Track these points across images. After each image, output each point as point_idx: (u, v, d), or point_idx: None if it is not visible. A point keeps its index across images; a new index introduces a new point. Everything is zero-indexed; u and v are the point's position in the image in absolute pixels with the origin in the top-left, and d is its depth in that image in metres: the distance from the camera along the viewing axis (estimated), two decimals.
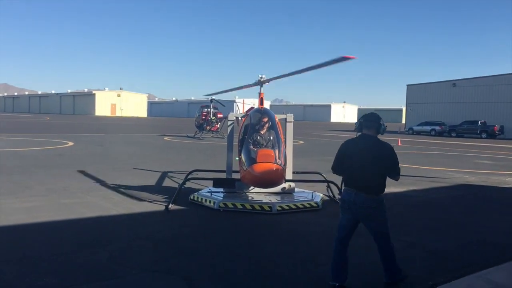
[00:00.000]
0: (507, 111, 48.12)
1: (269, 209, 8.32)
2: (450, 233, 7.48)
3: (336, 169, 5.12)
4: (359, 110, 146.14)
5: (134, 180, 11.62)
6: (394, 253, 4.99)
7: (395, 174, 4.92)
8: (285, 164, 8.52)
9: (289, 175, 9.46)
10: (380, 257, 5.01)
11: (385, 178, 4.89)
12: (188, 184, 10.09)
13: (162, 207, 8.50)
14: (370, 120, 4.92)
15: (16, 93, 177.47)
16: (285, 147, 9.13)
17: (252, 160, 8.11)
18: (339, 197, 9.10)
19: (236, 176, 9.27)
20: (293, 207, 8.61)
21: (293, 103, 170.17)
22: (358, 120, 5.08)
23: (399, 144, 30.04)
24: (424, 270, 5.56)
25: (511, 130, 45.98)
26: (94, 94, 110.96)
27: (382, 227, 4.92)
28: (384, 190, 4.92)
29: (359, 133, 5.04)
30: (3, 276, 4.96)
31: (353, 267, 5.60)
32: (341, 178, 5.14)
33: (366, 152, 4.81)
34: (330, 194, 9.93)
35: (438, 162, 19.10)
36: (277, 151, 8.40)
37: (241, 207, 8.42)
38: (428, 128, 49.54)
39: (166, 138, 30.44)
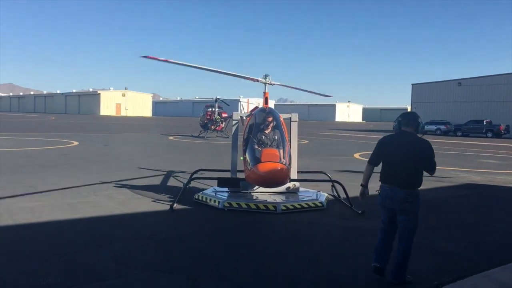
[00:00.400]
0: None
1: (273, 209, 8.30)
2: (455, 233, 7.44)
3: (372, 162, 5.31)
4: (364, 110, 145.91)
5: (139, 180, 11.64)
6: (410, 254, 5.04)
7: (431, 168, 5.06)
8: (289, 164, 8.50)
9: (293, 174, 9.44)
10: (396, 254, 5.05)
11: (421, 173, 5.02)
12: (193, 184, 10.09)
13: (167, 207, 8.50)
14: (409, 119, 5.15)
15: (21, 93, 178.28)
16: (290, 146, 9.11)
17: (256, 160, 8.10)
18: (344, 196, 9.15)
19: (240, 175, 9.26)
20: (298, 206, 8.59)
21: (297, 103, 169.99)
22: (397, 119, 5.29)
23: None
24: (428, 270, 5.53)
25: None
26: (99, 93, 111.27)
27: (412, 222, 5.02)
28: (420, 185, 5.05)
29: (397, 131, 5.26)
30: (7, 276, 4.96)
31: (357, 267, 5.59)
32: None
33: (405, 147, 4.99)
34: (335, 193, 9.90)
35: (443, 161, 19.00)
36: (281, 151, 8.38)
37: (246, 207, 8.41)
38: (433, 127, 49.34)
39: (171, 137, 30.47)
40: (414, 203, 4.98)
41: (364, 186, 5.42)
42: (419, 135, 5.19)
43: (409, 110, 70.92)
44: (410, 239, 5.03)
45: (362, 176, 5.45)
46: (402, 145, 5.02)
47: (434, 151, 5.05)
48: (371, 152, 5.41)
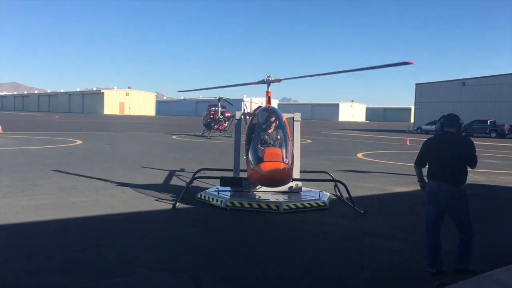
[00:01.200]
0: None
1: (276, 208, 8.31)
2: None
3: (419, 163, 5.68)
4: (368, 109, 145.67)
5: (142, 179, 11.67)
6: (470, 246, 5.38)
7: (473, 162, 5.42)
8: (292, 163, 8.51)
9: (296, 174, 9.45)
10: (458, 244, 5.42)
11: (466, 170, 5.42)
12: (196, 183, 10.11)
13: (170, 206, 8.52)
14: (451, 120, 5.52)
15: (25, 92, 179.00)
16: (293, 146, 9.12)
17: (259, 159, 8.11)
18: (343, 196, 9.16)
19: (243, 175, 9.27)
20: (300, 206, 8.59)
21: (301, 102, 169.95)
22: (438, 120, 5.68)
23: (408, 143, 29.89)
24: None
25: None
26: (103, 92, 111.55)
27: (464, 217, 5.36)
28: (465, 182, 5.40)
29: (440, 132, 5.62)
30: (12, 274, 4.99)
31: (359, 266, 5.59)
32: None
33: (450, 147, 5.37)
34: (338, 193, 9.90)
35: None
36: (284, 150, 8.39)
37: (248, 206, 8.42)
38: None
39: (174, 136, 30.52)
40: (461, 199, 5.33)
41: (421, 181, 5.73)
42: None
43: (412, 110, 70.90)
44: (469, 231, 5.37)
45: (416, 175, 5.80)
46: (447, 144, 5.39)
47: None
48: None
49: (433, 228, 5.53)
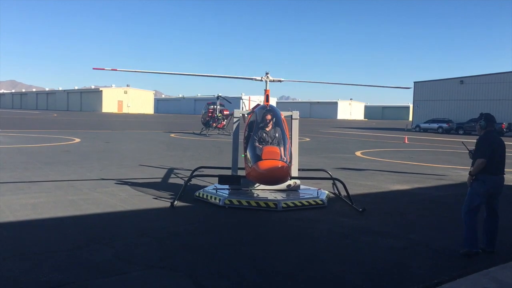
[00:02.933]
0: None
1: (274, 206, 8.32)
2: (455, 231, 7.44)
3: (487, 158, 6.09)
4: (366, 108, 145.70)
5: (140, 177, 11.66)
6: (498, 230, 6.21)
7: None
8: (290, 161, 8.52)
9: (294, 172, 9.45)
10: (491, 229, 6.25)
11: None
12: (194, 181, 10.11)
13: (168, 204, 8.52)
14: (493, 120, 6.32)
15: (23, 90, 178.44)
16: (291, 144, 9.12)
17: (257, 157, 8.10)
18: (343, 193, 9.17)
19: (241, 173, 9.27)
20: (299, 204, 8.60)
21: (299, 100, 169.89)
22: (483, 120, 6.26)
23: (406, 141, 29.91)
24: (428, 268, 5.53)
25: None
26: (101, 91, 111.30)
27: (498, 202, 6.31)
28: None
29: (483, 130, 6.27)
30: (9, 272, 4.99)
31: (357, 264, 5.60)
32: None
33: (502, 143, 6.25)
34: (336, 191, 9.91)
35: (444, 159, 19.01)
36: (282, 148, 8.39)
37: (247, 204, 8.43)
38: (435, 125, 49.27)
39: (172, 135, 30.49)
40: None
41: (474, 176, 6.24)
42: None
43: (411, 108, 70.92)
44: (497, 217, 6.31)
45: (476, 169, 6.10)
46: (499, 141, 6.22)
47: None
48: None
49: (476, 216, 6.14)
